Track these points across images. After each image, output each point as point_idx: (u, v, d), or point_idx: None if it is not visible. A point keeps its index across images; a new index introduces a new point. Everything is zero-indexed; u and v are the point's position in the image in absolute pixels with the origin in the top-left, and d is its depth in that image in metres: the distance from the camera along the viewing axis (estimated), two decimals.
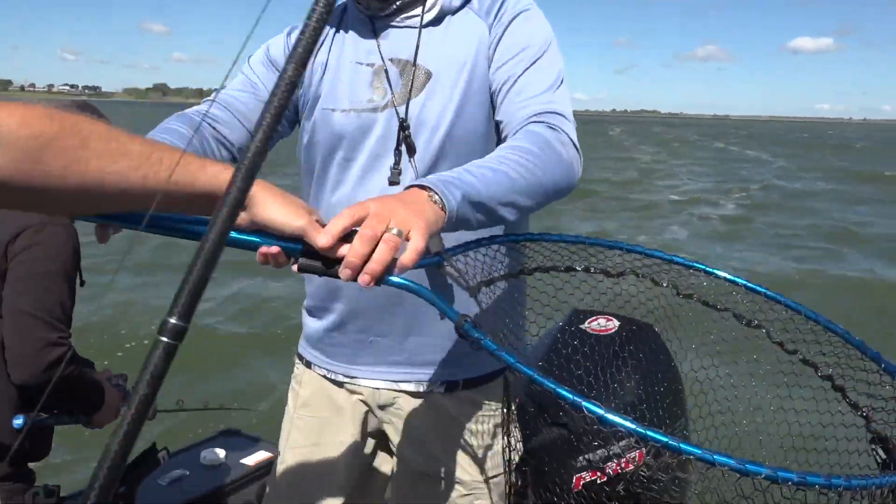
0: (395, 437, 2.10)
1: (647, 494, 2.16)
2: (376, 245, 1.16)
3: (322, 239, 1.17)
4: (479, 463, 2.04)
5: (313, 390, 2.17)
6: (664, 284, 1.68)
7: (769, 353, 1.65)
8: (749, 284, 1.66)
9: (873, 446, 1.46)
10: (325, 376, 2.14)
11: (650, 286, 1.70)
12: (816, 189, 29.46)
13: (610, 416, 1.03)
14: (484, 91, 1.89)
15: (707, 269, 1.68)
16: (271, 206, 1.20)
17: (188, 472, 3.12)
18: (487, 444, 2.05)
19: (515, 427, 1.93)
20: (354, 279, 1.16)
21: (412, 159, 1.88)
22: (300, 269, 1.23)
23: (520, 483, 1.91)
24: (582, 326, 2.42)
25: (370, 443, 2.18)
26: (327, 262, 1.20)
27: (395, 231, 1.18)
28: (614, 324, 2.44)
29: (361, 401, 2.11)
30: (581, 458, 1.98)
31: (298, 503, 2.14)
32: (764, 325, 1.65)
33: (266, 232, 1.22)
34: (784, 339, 1.63)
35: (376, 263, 1.15)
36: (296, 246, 1.22)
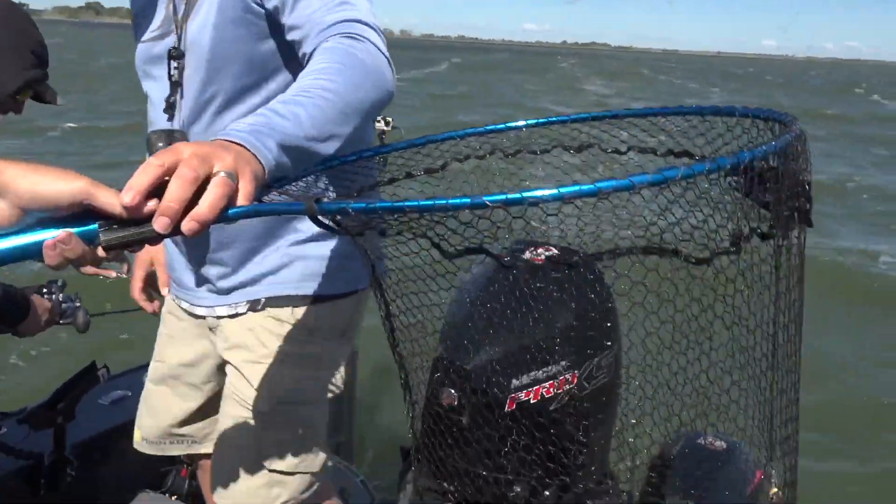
0: (220, 360, 2.26)
1: (580, 412, 2.27)
2: (199, 189, 1.00)
3: (126, 197, 0.94)
4: (277, 389, 2.16)
5: (167, 308, 2.39)
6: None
7: (610, 164, 1.71)
8: (558, 118, 1.72)
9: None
10: (172, 297, 2.34)
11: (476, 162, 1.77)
12: None
13: (526, 193, 1.04)
14: (237, 7, 1.79)
15: (510, 125, 1.75)
16: (30, 176, 0.93)
17: (130, 394, 3.13)
18: (291, 370, 2.17)
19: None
20: (175, 231, 0.98)
21: (181, 90, 1.84)
22: (107, 248, 0.98)
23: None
24: (524, 255, 2.47)
25: (208, 364, 2.33)
26: (140, 226, 0.97)
27: (223, 174, 1.02)
28: (553, 252, 2.48)
29: (199, 324, 2.27)
30: (514, 379, 2.05)
31: (147, 417, 2.39)
32: (592, 142, 1.71)
33: (41, 224, 0.94)
34: (616, 147, 1.70)
35: (208, 210, 0.98)
36: (89, 226, 0.98)
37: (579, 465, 2.39)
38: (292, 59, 1.85)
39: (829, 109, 40.46)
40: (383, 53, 1.61)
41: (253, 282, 2.12)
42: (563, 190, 1.04)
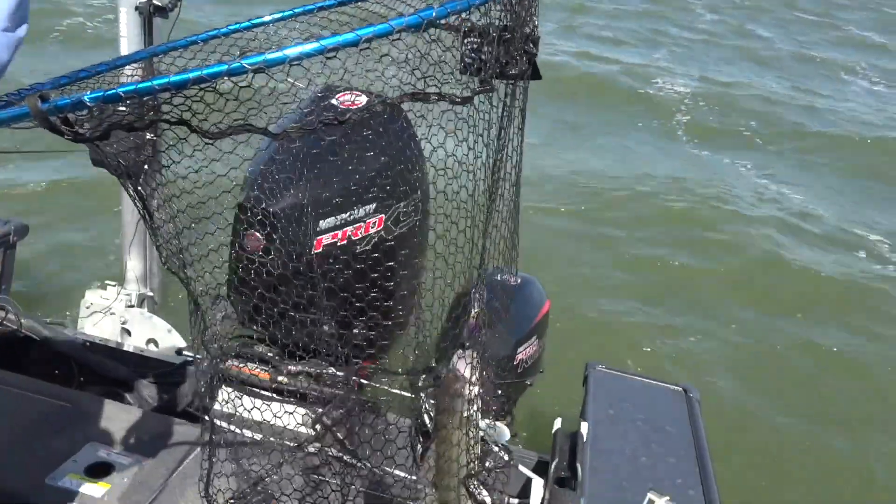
0: None
1: (388, 254, 2.34)
2: None
3: None
4: None
5: None
6: None
7: None
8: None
9: None
10: None
11: None
12: None
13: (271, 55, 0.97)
14: None
15: (255, 21, 1.56)
16: None
17: None
18: None
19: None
20: None
21: None
22: None
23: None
24: (332, 101, 2.41)
25: None
26: None
27: None
28: (363, 99, 2.44)
29: None
30: (322, 221, 2.06)
31: None
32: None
33: None
34: None
35: None
36: None
37: (387, 303, 2.51)
38: None
39: None
40: None
41: None
42: (324, 42, 1.00)
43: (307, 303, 2.08)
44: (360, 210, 2.13)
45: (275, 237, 1.97)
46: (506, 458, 1.94)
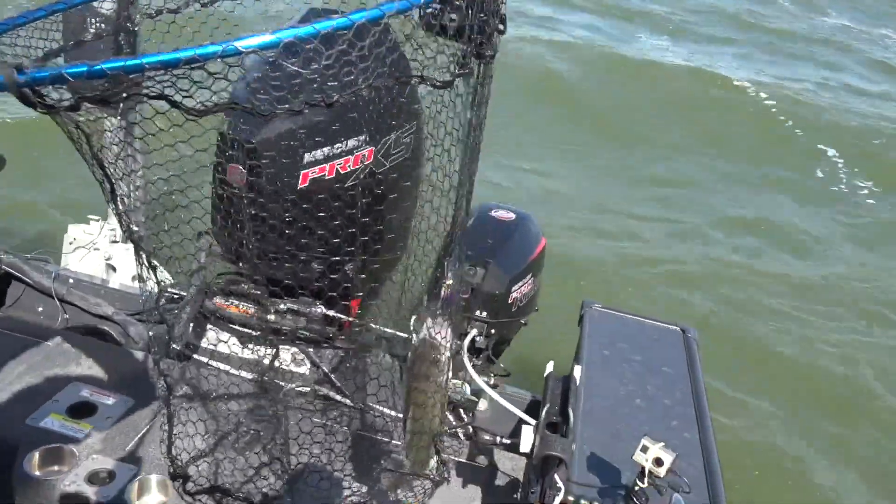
0: None
1: (379, 188, 2.25)
2: None
3: None
4: None
5: None
6: None
7: None
8: None
9: None
10: None
11: None
12: None
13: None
14: None
15: None
16: None
17: None
18: None
19: None
20: None
21: None
22: None
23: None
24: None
25: None
26: None
27: None
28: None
29: None
30: (308, 154, 1.96)
31: None
32: None
33: None
34: None
35: None
36: None
37: (377, 241, 2.42)
38: None
39: None
40: None
41: None
42: (318, 26, 1.05)
43: (293, 241, 2.00)
44: (349, 142, 2.02)
45: (256, 172, 1.87)
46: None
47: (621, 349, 2.11)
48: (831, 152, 7.87)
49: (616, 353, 2.08)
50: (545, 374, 1.94)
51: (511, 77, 7.40)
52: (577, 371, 1.87)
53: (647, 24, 11.37)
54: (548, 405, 1.77)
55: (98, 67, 0.94)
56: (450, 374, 1.38)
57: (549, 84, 8.45)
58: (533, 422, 1.79)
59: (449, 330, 1.33)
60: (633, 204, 6.23)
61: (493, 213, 2.31)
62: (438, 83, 1.26)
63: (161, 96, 1.04)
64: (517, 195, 5.73)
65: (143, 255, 1.60)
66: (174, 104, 1.07)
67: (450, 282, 1.36)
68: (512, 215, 2.31)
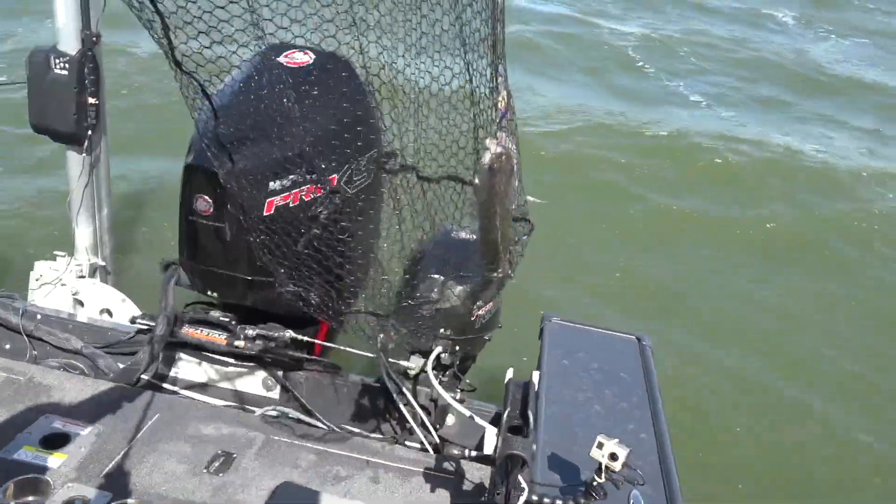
0: None
1: (343, 213, 2.32)
2: None
3: None
4: None
5: None
6: None
7: None
8: None
9: None
10: None
11: None
12: None
13: None
14: None
15: None
16: None
17: None
18: None
19: None
20: None
21: None
22: None
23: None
24: (279, 59, 2.36)
25: None
26: None
27: None
28: (310, 56, 2.40)
29: None
30: (271, 183, 2.03)
31: None
32: None
33: None
34: None
35: None
36: None
37: (346, 265, 2.49)
38: None
39: None
40: None
41: None
42: None
43: (261, 266, 2.07)
44: (311, 170, 2.10)
45: (222, 201, 1.94)
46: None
47: (580, 358, 2.20)
48: None
49: (575, 363, 2.17)
50: (505, 381, 2.02)
51: None
52: (535, 376, 1.95)
53: None
54: (508, 409, 1.85)
55: None
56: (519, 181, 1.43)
57: None
58: (490, 427, 1.87)
59: (512, 140, 1.36)
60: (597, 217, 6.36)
61: (453, 234, 2.39)
62: None
63: None
64: None
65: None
66: None
67: (503, 95, 1.38)
68: (473, 235, 2.39)
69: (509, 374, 2.06)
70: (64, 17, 2.97)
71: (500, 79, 1.39)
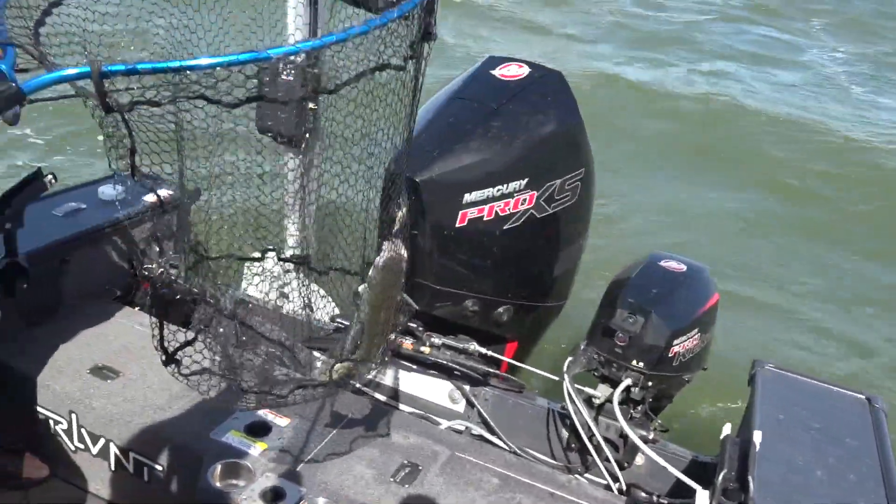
0: None
1: (538, 233, 2.23)
2: None
3: None
4: None
5: None
6: None
7: None
8: None
9: None
10: None
11: None
12: None
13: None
14: None
15: None
16: None
17: (84, 206, 3.04)
18: None
19: None
20: None
21: None
22: None
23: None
24: (493, 72, 2.33)
25: None
26: None
27: None
28: (525, 70, 2.35)
29: None
30: (468, 195, 1.99)
31: None
32: None
33: None
34: None
35: None
36: None
37: (534, 284, 2.40)
38: None
39: None
40: None
41: None
42: (351, 32, 1.17)
43: (447, 277, 2.03)
44: (510, 185, 2.03)
45: (416, 208, 1.92)
46: None
47: (798, 414, 1.93)
48: None
49: (792, 418, 1.90)
50: (722, 437, 1.81)
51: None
52: (757, 436, 1.73)
53: None
54: (725, 470, 1.65)
55: (164, 64, 1.10)
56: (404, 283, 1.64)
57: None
58: (697, 486, 1.68)
59: (404, 248, 1.57)
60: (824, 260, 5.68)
61: (661, 263, 2.21)
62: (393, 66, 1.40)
63: (200, 95, 1.21)
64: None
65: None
66: (212, 101, 1.23)
67: (401, 214, 1.58)
68: (683, 266, 2.19)
69: (726, 429, 1.84)
70: (292, 26, 3.16)
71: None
